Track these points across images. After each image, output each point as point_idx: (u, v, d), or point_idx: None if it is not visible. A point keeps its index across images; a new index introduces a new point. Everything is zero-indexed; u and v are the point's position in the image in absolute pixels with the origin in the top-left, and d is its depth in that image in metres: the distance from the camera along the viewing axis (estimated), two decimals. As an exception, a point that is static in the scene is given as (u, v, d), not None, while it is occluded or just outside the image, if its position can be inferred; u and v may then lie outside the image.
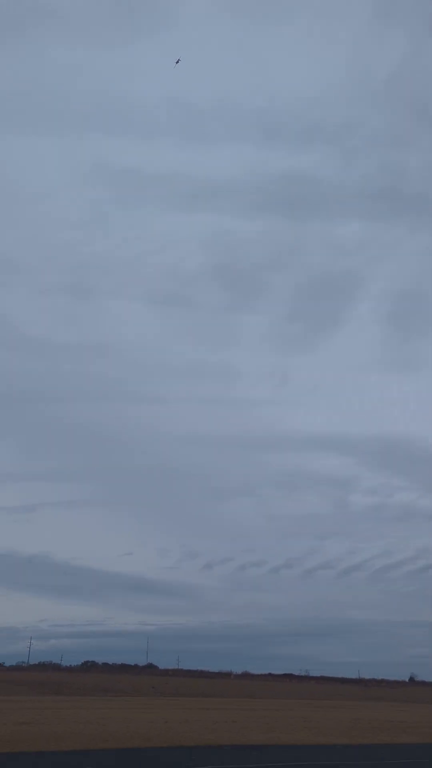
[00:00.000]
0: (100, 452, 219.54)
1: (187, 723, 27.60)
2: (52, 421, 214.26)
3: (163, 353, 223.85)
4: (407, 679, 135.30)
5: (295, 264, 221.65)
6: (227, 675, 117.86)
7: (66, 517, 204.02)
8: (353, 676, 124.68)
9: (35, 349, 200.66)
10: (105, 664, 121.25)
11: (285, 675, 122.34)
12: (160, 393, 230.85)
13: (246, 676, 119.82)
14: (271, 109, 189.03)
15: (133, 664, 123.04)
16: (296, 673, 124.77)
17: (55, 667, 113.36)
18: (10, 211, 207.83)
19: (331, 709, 47.88)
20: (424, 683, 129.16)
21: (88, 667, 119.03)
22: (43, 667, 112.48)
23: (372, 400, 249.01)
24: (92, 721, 26.77)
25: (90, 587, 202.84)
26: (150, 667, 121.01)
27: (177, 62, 61.55)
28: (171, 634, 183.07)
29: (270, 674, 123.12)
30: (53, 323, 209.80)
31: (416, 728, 30.28)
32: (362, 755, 18.20)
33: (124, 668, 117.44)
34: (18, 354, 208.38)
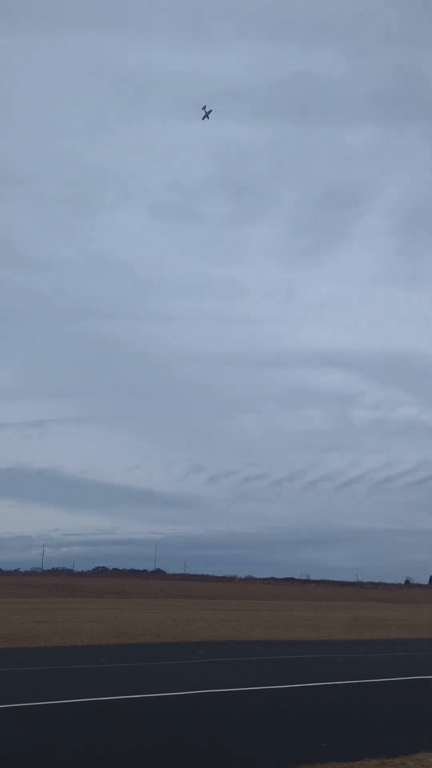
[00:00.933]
0: (107, 369, 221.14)
1: (194, 622, 29.29)
2: (59, 339, 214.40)
3: (167, 269, 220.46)
4: (403, 582, 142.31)
5: (303, 174, 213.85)
6: (232, 579, 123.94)
7: (74, 433, 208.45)
8: (352, 580, 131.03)
9: (38, 267, 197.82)
10: (115, 570, 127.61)
11: (287, 579, 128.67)
12: (165, 309, 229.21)
13: (249, 580, 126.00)
14: (278, 4, 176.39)
15: (142, 569, 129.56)
16: (298, 577, 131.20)
17: (68, 573, 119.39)
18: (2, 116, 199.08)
19: (331, 609, 50.59)
20: (418, 585, 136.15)
21: (99, 572, 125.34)
22: (57, 572, 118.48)
23: (378, 316, 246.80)
24: (105, 620, 28.43)
25: (99, 499, 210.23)
26: (158, 572, 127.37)
27: (206, 112, 52.15)
28: (178, 542, 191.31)
29: (272, 578, 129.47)
30: (54, 239, 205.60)
31: (410, 625, 32.12)
32: (358, 648, 19.39)
33: (133, 573, 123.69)
34: (20, 272, 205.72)
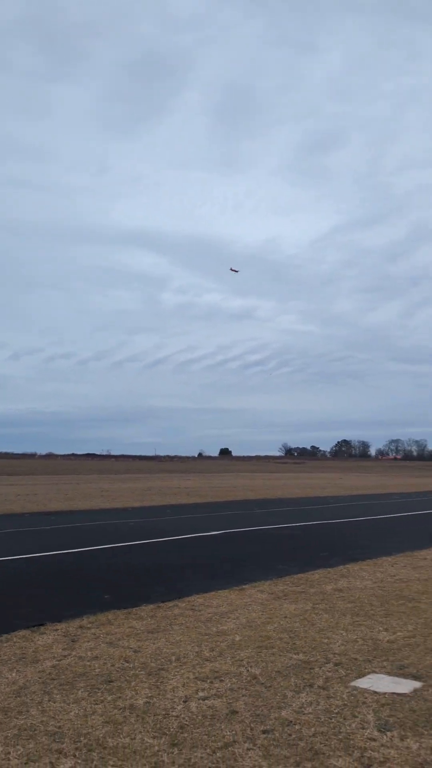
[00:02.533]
0: None
1: (-11, 497, 29.00)
2: None
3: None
4: (196, 455, 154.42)
5: (123, 33, 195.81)
6: (32, 456, 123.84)
7: None
8: (150, 454, 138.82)
9: None
10: None
11: (87, 455, 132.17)
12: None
13: (50, 456, 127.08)
14: None
15: None
16: (98, 453, 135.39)
17: None
18: None
19: (127, 481, 53.35)
20: (209, 457, 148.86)
21: None
22: None
23: (191, 200, 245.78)
24: None
25: None
26: None
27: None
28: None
29: (73, 454, 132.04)
30: None
31: (198, 492, 35.26)
32: (150, 513, 20.88)
33: None
34: None
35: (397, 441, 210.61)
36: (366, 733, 3.78)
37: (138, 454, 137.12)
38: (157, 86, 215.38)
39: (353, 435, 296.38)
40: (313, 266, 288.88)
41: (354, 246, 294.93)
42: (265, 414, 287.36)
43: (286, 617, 6.72)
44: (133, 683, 4.70)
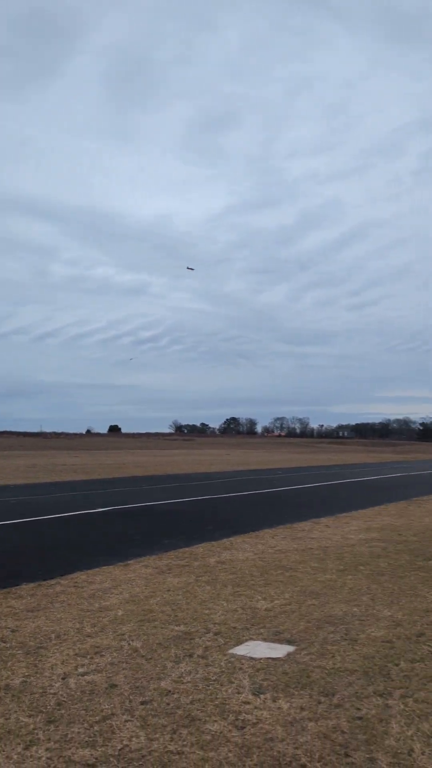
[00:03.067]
0: None
1: None
2: None
3: None
4: (84, 432, 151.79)
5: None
6: None
7: None
8: (36, 431, 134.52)
9: None
10: None
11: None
12: None
13: None
14: None
15: None
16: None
17: None
18: None
19: (10, 458, 51.43)
20: (98, 434, 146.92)
21: None
22: None
23: (84, 169, 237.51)
24: None
25: None
26: None
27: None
28: None
29: None
30: None
31: (86, 469, 34.72)
32: (34, 490, 20.29)
33: None
34: None
35: (281, 419, 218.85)
36: (241, 698, 3.93)
37: (23, 430, 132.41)
38: (47, 46, 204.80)
39: (241, 413, 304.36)
40: (206, 245, 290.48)
41: (246, 227, 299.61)
42: (156, 391, 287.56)
43: (169, 590, 6.82)
44: (9, 663, 4.58)
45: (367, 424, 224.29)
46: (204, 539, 10.32)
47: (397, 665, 4.48)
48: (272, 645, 4.97)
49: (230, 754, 3.22)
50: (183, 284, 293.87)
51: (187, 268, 79.43)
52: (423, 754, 3.21)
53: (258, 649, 4.88)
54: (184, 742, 3.35)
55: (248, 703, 3.85)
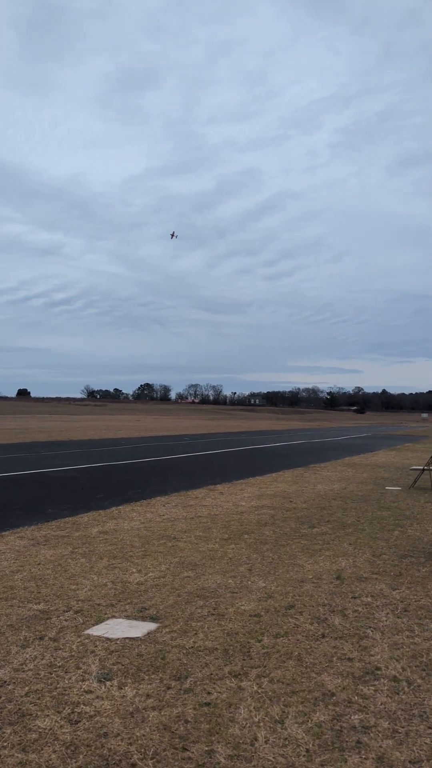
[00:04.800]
0: None
1: None
2: None
3: None
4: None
5: None
6: None
7: None
8: None
9: None
10: None
11: None
12: None
13: None
14: None
15: None
16: None
17: None
18: None
19: None
20: (6, 398, 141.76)
21: None
22: None
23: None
24: None
25: None
26: None
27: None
28: None
29: None
30: None
31: (19, 433, 33.22)
32: None
33: None
34: None
35: (195, 386, 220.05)
36: (84, 686, 3.57)
37: None
38: None
39: (155, 379, 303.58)
40: (123, 207, 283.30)
41: (163, 191, 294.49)
42: (69, 356, 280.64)
43: (39, 564, 6.36)
44: None
45: (278, 392, 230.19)
46: (92, 508, 9.88)
47: (259, 641, 4.27)
48: (134, 623, 4.65)
49: (54, 756, 2.86)
50: (99, 246, 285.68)
51: (172, 235, 78.33)
52: (266, 742, 2.98)
53: (118, 628, 4.54)
54: (4, 743, 2.95)
55: (90, 692, 3.50)
